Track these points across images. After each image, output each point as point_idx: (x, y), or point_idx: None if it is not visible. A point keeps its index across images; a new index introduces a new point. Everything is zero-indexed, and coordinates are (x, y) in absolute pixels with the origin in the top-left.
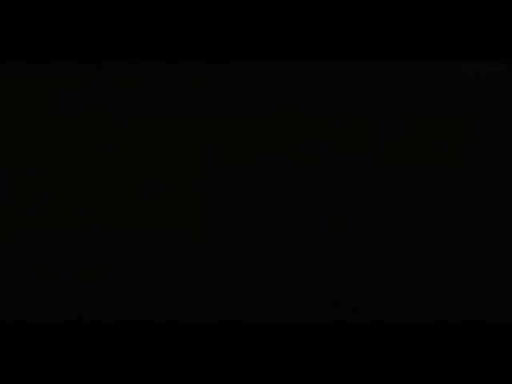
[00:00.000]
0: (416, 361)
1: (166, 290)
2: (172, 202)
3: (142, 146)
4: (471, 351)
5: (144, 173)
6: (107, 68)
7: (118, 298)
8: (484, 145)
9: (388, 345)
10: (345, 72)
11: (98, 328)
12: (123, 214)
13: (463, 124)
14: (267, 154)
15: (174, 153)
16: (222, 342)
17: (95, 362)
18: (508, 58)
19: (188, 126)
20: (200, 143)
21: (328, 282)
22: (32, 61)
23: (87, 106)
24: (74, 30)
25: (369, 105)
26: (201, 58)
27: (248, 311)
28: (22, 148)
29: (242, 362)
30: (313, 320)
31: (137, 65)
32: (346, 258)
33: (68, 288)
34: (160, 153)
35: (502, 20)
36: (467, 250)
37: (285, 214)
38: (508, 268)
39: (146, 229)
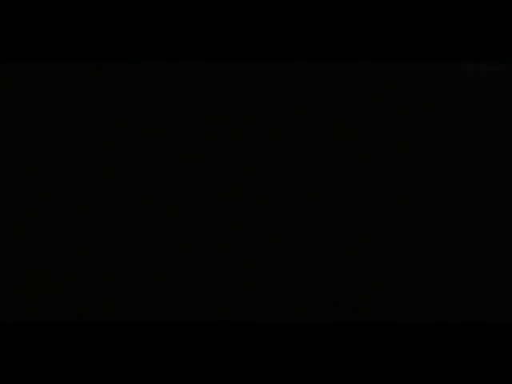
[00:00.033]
0: (416, 361)
1: (165, 290)
2: (172, 202)
3: (142, 145)
4: (471, 351)
5: (144, 172)
6: (107, 68)
7: (118, 298)
8: (484, 145)
9: (388, 345)
10: (345, 72)
11: (97, 328)
12: (123, 213)
13: (463, 124)
14: (267, 153)
15: (174, 153)
16: (222, 342)
17: (95, 361)
18: (508, 57)
19: (188, 126)
20: (200, 143)
21: (328, 281)
22: (32, 61)
23: (87, 106)
24: (74, 30)
25: (369, 105)
26: (201, 58)
27: (248, 311)
28: (22, 148)
29: (242, 362)
30: (313, 320)
31: (137, 65)
32: (346, 258)
33: (68, 288)
34: (160, 153)
35: (502, 20)
36: (467, 250)
37: (285, 214)
38: (508, 268)
39: (146, 229)
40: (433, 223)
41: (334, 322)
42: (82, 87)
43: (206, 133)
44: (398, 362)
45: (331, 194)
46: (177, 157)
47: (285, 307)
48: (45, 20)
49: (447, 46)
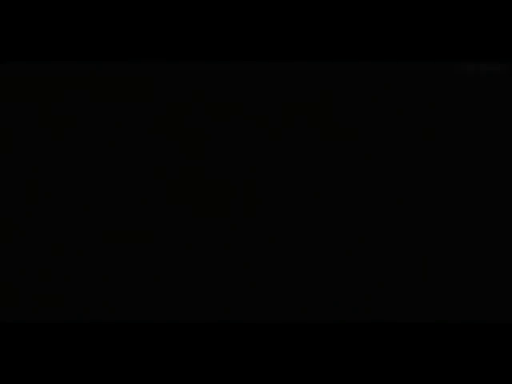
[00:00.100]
0: (416, 361)
1: (165, 289)
2: (172, 202)
3: (142, 145)
4: (471, 351)
5: (144, 172)
6: (107, 68)
7: (118, 298)
8: (484, 145)
9: (388, 345)
10: (345, 72)
11: (97, 328)
12: (123, 213)
13: (463, 124)
14: (267, 153)
15: (174, 152)
16: (222, 342)
17: (95, 361)
18: (508, 57)
19: (188, 126)
20: (200, 143)
21: (328, 281)
22: (32, 61)
23: (87, 106)
24: (74, 30)
25: (369, 105)
26: (201, 58)
27: (248, 311)
28: (22, 148)
29: (242, 361)
30: (313, 320)
31: (137, 65)
32: (346, 258)
33: (68, 288)
34: (160, 152)
35: (502, 20)
36: (467, 250)
37: (285, 214)
38: (508, 268)
39: (146, 229)
40: (433, 223)
41: (333, 322)
42: (82, 87)
43: (206, 133)
44: (398, 362)
45: (331, 194)
46: (177, 157)
47: (285, 307)
48: (45, 20)
49: (447, 46)
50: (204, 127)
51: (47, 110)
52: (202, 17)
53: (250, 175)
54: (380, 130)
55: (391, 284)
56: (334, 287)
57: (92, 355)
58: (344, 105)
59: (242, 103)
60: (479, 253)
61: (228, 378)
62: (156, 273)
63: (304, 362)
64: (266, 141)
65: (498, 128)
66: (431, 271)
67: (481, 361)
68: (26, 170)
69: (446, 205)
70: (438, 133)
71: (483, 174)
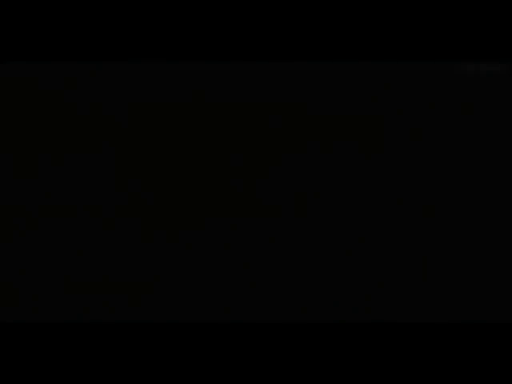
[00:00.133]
0: (416, 361)
1: (165, 290)
2: (172, 202)
3: (142, 145)
4: (471, 351)
5: (144, 172)
6: (107, 68)
7: (118, 298)
8: (484, 145)
9: (388, 345)
10: (345, 72)
11: (98, 328)
12: (123, 213)
13: (463, 124)
14: (267, 153)
15: (174, 152)
16: (222, 342)
17: (95, 361)
18: (508, 57)
19: (188, 126)
20: (200, 143)
21: (328, 281)
22: (32, 61)
23: (87, 105)
24: (74, 30)
25: (369, 105)
26: (201, 58)
27: (248, 311)
28: (22, 148)
29: (242, 361)
30: (313, 320)
31: (137, 65)
32: (346, 258)
33: (68, 288)
34: (160, 152)
35: (502, 20)
36: (467, 250)
37: (285, 214)
38: (508, 268)
39: (146, 229)
40: (433, 223)
41: (334, 322)
42: (82, 87)
43: (206, 133)
44: (398, 362)
45: (331, 193)
46: (177, 156)
47: (285, 307)
48: (45, 20)
49: (447, 46)
50: (204, 127)
51: (47, 110)
52: (202, 17)
53: (250, 175)
54: (380, 130)
55: (391, 284)
56: (334, 287)
57: (92, 355)
58: (344, 105)
59: (242, 103)
60: (479, 253)
61: (228, 377)
62: (156, 273)
63: (304, 362)
64: (266, 141)
65: (498, 128)
66: (431, 271)
67: (481, 361)
68: (26, 169)
69: (446, 205)
70: (438, 133)
71: (483, 173)
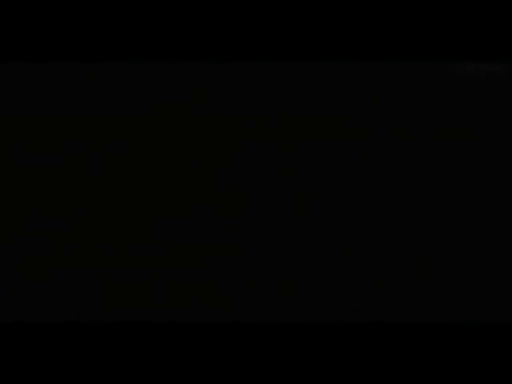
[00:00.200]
0: (416, 361)
1: (166, 290)
2: (172, 202)
3: (142, 146)
4: (471, 351)
5: (144, 172)
6: (107, 68)
7: (118, 298)
8: (484, 145)
9: (388, 345)
10: (345, 72)
11: (98, 328)
12: (123, 213)
13: (463, 124)
14: (267, 153)
15: (174, 153)
16: (222, 342)
17: (95, 361)
18: (508, 57)
19: (188, 126)
20: (200, 143)
21: (328, 281)
22: (32, 61)
23: (87, 105)
24: (74, 30)
25: (369, 105)
26: (201, 58)
27: (248, 311)
28: (22, 148)
29: (242, 361)
30: (313, 320)
31: (137, 65)
32: (346, 258)
33: (68, 288)
34: (160, 153)
35: (502, 20)
36: (467, 250)
37: (285, 214)
38: (508, 268)
39: (147, 229)
40: (433, 223)
41: (334, 322)
42: (82, 87)
43: (206, 133)
44: (398, 362)
45: (331, 193)
46: (177, 156)
47: (285, 307)
48: (45, 20)
49: (447, 46)
50: (204, 127)
51: (47, 110)
52: (202, 17)
53: (249, 175)
54: (380, 130)
55: (391, 284)
56: (334, 287)
57: (92, 355)
58: (344, 105)
59: (242, 103)
60: (479, 253)
61: (228, 377)
62: (156, 273)
63: (304, 362)
64: (266, 141)
65: (498, 128)
66: (431, 271)
67: (481, 361)
68: (26, 169)
69: (446, 205)
70: (438, 133)
71: (483, 173)
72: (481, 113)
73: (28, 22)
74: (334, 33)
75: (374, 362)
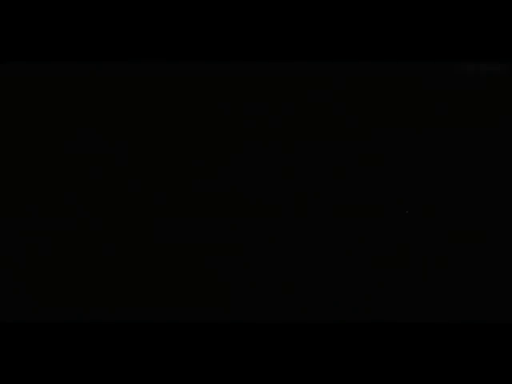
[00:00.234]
0: (416, 361)
1: (165, 289)
2: (172, 202)
3: (142, 145)
4: (471, 351)
5: (144, 173)
6: (107, 68)
7: (118, 298)
8: (484, 145)
9: (388, 345)
10: (345, 72)
11: (97, 328)
12: (123, 213)
13: (463, 124)
14: (267, 153)
15: (173, 152)
16: (222, 342)
17: (95, 361)
18: (508, 57)
19: (188, 126)
20: (200, 143)
21: (328, 281)
22: (32, 61)
23: (87, 105)
24: (74, 29)
25: (369, 105)
26: (201, 58)
27: (248, 311)
28: (22, 148)
29: (242, 361)
30: (313, 320)
31: (137, 65)
32: (346, 258)
33: (68, 288)
34: (160, 153)
35: (502, 20)
36: (467, 250)
37: (285, 214)
38: (508, 268)
39: (146, 229)
40: (433, 223)
41: (334, 322)
42: (82, 87)
43: (206, 133)
44: (398, 362)
45: (331, 193)
46: (177, 156)
47: (285, 307)
48: (45, 20)
49: (447, 46)
50: (204, 127)
51: (47, 110)
52: (201, 17)
53: (249, 175)
54: (380, 130)
55: (391, 284)
56: (334, 287)
57: (92, 355)
58: (344, 105)
59: (242, 103)
60: (479, 253)
61: (228, 377)
62: (156, 273)
63: (304, 362)
64: (266, 141)
65: (498, 128)
66: (431, 271)
67: (481, 361)
68: (25, 169)
69: (446, 205)
70: (438, 133)
71: (483, 174)
72: (481, 113)
73: (28, 21)
74: (334, 33)
75: (374, 362)
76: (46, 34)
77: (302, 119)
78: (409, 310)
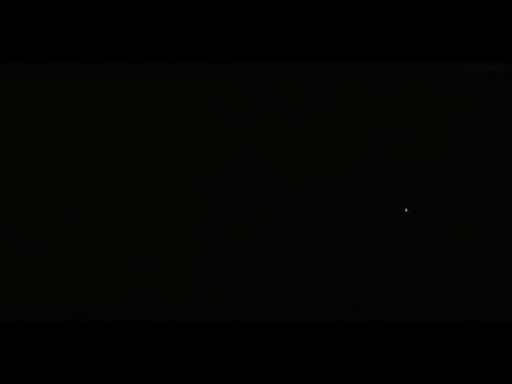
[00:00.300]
0: (416, 361)
1: (166, 289)
2: (172, 202)
3: (142, 146)
4: (471, 351)
5: (144, 173)
6: (107, 68)
7: (118, 298)
8: (484, 145)
9: (388, 345)
10: (345, 72)
11: (97, 328)
12: (123, 214)
13: (463, 124)
14: (267, 153)
15: (174, 152)
16: (222, 342)
17: (95, 361)
18: (508, 57)
19: (188, 126)
20: (200, 143)
21: (328, 282)
22: (32, 61)
23: (87, 105)
24: (74, 29)
25: (369, 105)
26: (201, 58)
27: (248, 311)
28: (22, 148)
29: (242, 361)
30: (313, 320)
31: (137, 65)
32: (346, 258)
33: (68, 288)
34: (160, 153)
35: (502, 20)
36: (467, 250)
37: (285, 214)
38: (508, 268)
39: (146, 229)
40: (433, 223)
41: (334, 322)
42: (82, 87)
43: (206, 133)
44: (398, 362)
45: (331, 193)
46: (177, 157)
47: (285, 307)
48: (45, 20)
49: (447, 46)
50: (204, 127)
51: (47, 110)
52: (202, 17)
53: (250, 175)
54: (380, 130)
55: (391, 284)
56: (334, 287)
57: (92, 355)
58: (344, 105)
59: (242, 103)
60: (479, 253)
61: (228, 377)
62: (156, 273)
63: (304, 362)
64: (266, 141)
65: (498, 128)
66: (431, 271)
67: (481, 361)
68: (26, 169)
69: (446, 205)
70: (438, 133)
71: (483, 174)
72: (481, 113)
73: (28, 22)
74: (334, 33)
75: (374, 362)
76: (46, 34)
77: (302, 119)
78: (409, 309)
